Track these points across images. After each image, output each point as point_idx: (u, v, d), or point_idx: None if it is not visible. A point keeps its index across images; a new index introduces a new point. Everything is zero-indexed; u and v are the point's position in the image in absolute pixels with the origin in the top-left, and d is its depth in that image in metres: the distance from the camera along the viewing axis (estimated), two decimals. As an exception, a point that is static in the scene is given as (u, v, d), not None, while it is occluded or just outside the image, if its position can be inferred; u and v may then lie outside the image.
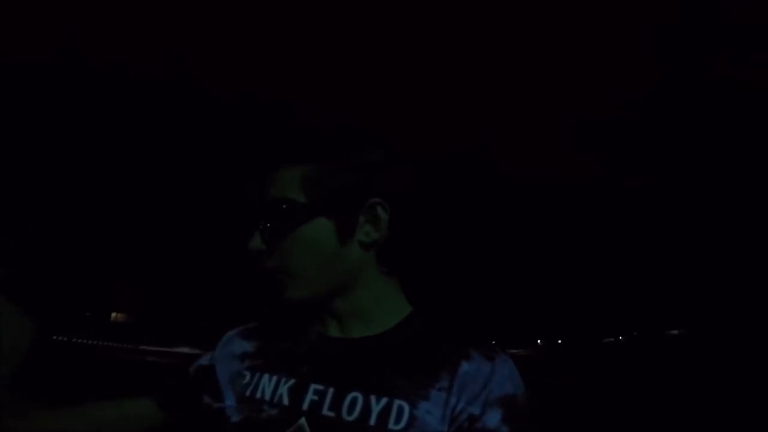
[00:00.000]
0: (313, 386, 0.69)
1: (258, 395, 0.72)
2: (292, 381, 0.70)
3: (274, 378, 0.72)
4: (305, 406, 0.67)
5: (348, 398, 0.67)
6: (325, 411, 0.67)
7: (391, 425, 0.63)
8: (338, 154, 0.74)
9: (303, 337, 0.75)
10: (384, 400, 0.65)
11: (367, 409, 0.65)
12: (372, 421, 0.64)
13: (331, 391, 0.68)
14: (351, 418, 0.65)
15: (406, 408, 0.64)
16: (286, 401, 0.69)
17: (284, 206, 0.71)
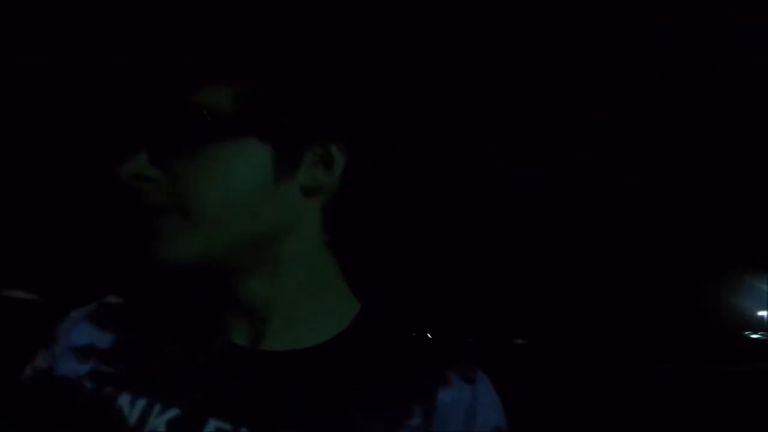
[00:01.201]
0: (213, 423, 0.44)
1: (110, 425, 0.45)
2: (174, 412, 0.45)
3: (141, 402, 0.45)
4: None
5: None
6: None
7: None
8: (298, 75, 0.50)
9: (196, 341, 0.49)
10: None
11: None
12: None
13: None
14: None
15: None
16: None
17: (200, 115, 0.47)
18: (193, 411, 0.45)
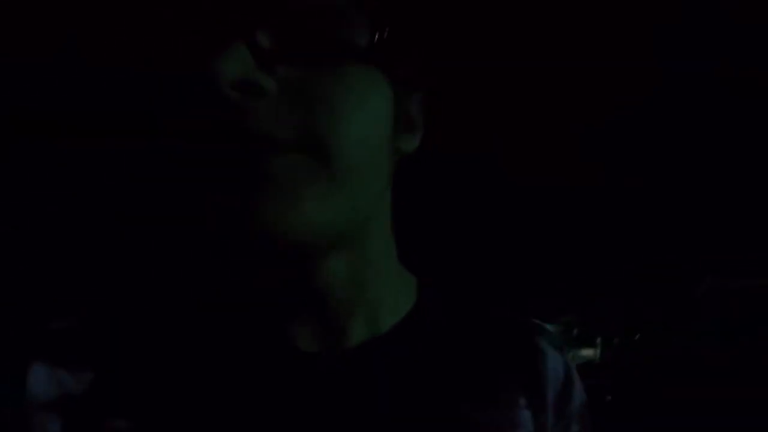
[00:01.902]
0: None
1: None
2: None
3: None
4: None
5: None
6: None
7: None
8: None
9: (251, 355, 0.36)
10: None
11: None
12: None
13: None
14: None
15: None
16: None
17: (341, 25, 0.34)
18: None
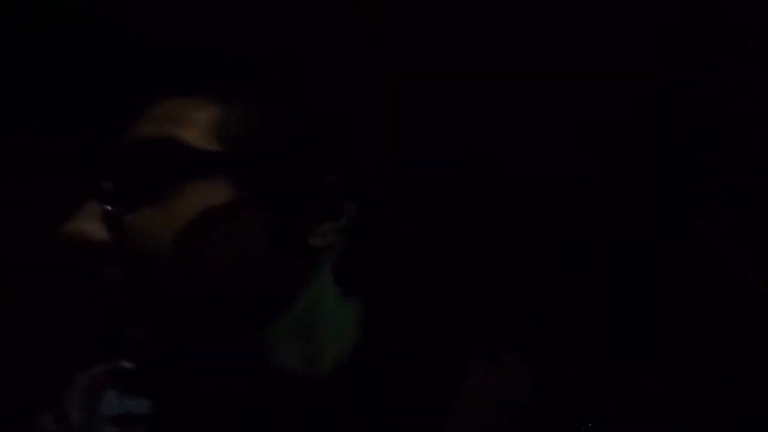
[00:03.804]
0: None
1: None
2: None
3: None
4: None
5: None
6: None
7: None
8: (285, 97, 0.43)
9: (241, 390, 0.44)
10: None
11: None
12: None
13: None
14: None
15: None
16: None
17: (173, 156, 0.36)
18: None
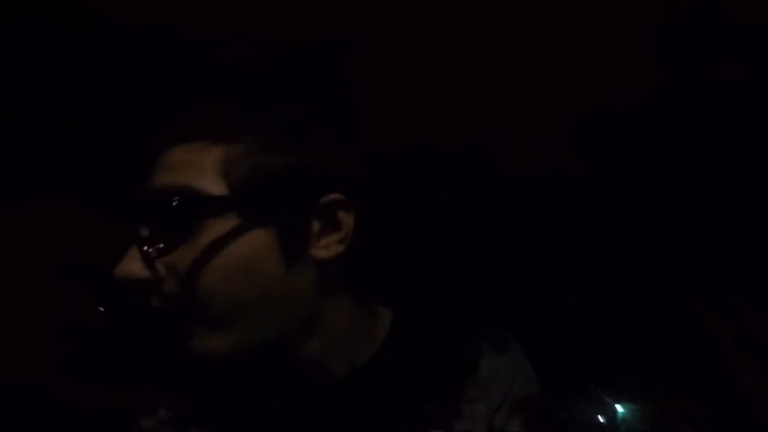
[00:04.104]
0: None
1: None
2: None
3: None
4: None
5: None
6: None
7: None
8: (277, 124, 0.48)
9: (263, 390, 0.53)
10: None
11: None
12: None
13: None
14: None
15: None
16: None
17: (190, 203, 0.44)
18: None
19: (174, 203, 0.44)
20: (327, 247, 0.50)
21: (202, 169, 0.46)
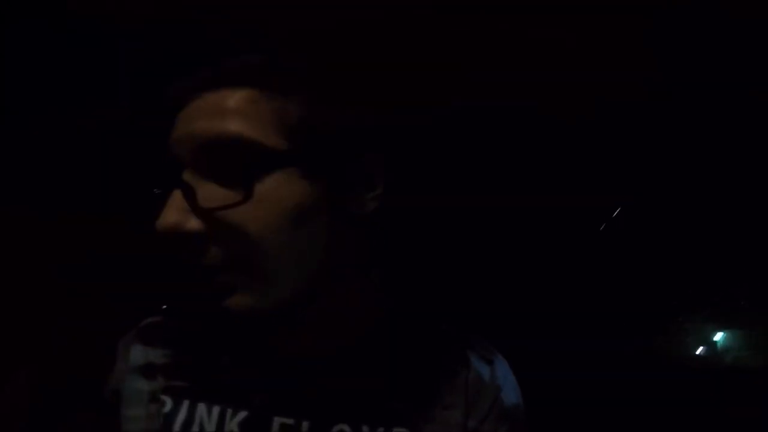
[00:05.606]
0: (278, 420, 0.48)
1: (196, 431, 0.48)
2: (243, 414, 0.48)
3: (216, 409, 0.49)
4: None
5: None
6: None
7: None
8: (329, 81, 0.46)
9: (248, 352, 0.51)
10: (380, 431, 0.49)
11: None
12: None
13: (306, 425, 0.48)
14: None
15: None
16: None
17: (249, 154, 0.41)
18: (260, 411, 0.48)
19: (230, 153, 0.41)
20: (364, 203, 0.48)
21: (253, 119, 0.42)
